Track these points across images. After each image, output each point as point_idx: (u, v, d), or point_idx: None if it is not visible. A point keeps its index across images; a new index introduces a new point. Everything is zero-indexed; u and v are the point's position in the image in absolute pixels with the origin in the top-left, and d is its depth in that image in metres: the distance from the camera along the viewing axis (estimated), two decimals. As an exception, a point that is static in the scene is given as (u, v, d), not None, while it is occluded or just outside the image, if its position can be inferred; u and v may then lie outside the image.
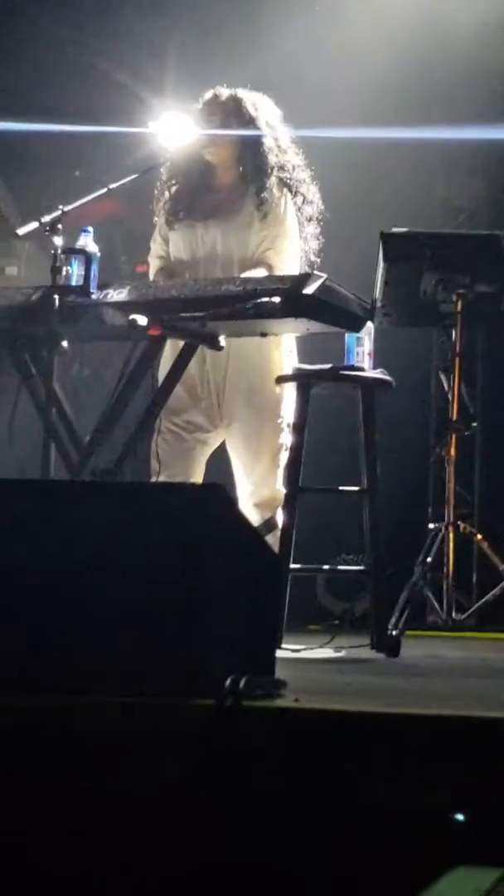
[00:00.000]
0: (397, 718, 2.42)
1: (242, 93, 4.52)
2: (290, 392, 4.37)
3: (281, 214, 4.43)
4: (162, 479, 4.43)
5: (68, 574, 2.62)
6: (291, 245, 4.44)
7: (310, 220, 4.51)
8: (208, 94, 4.53)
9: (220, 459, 4.59)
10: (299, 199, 4.48)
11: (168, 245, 4.56)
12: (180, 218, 4.51)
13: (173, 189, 4.53)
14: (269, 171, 4.44)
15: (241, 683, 2.40)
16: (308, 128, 4.59)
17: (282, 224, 4.42)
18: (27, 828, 2.43)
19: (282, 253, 4.39)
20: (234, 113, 4.47)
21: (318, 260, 4.51)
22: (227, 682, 2.40)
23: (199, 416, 4.46)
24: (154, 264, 4.60)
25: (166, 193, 4.55)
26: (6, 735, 2.49)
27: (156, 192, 4.60)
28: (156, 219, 4.62)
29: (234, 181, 4.51)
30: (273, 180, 4.44)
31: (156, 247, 4.61)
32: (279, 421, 4.42)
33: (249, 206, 4.44)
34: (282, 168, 4.47)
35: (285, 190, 4.46)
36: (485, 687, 3.36)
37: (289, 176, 4.47)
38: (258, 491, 4.43)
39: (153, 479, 4.45)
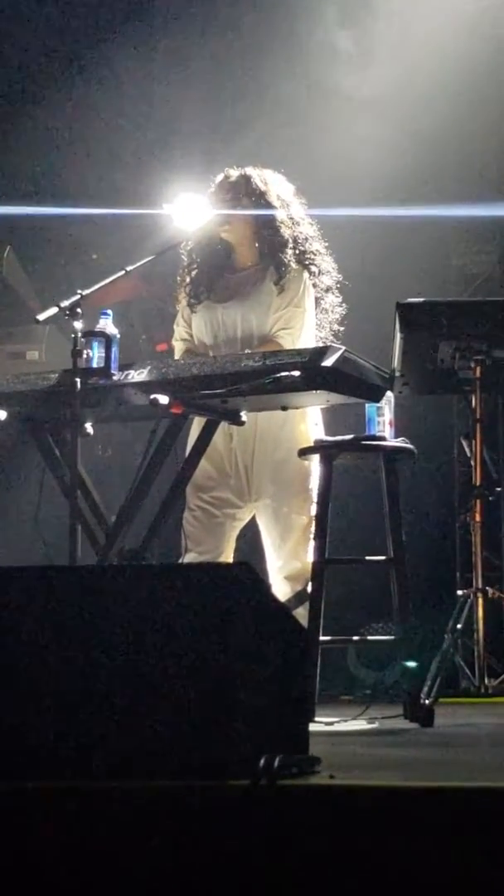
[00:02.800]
0: (434, 792, 2.40)
1: (251, 170, 4.58)
2: (317, 464, 4.38)
3: (299, 295, 4.46)
4: (192, 555, 4.44)
5: (96, 657, 2.62)
6: (306, 325, 4.47)
7: (327, 290, 4.55)
8: (219, 176, 4.60)
9: (248, 532, 4.60)
10: (314, 271, 4.52)
11: (191, 327, 4.60)
12: (201, 300, 4.56)
13: (194, 272, 4.59)
14: (285, 244, 4.48)
15: (276, 762, 2.39)
16: (324, 206, 4.65)
17: (299, 305, 4.46)
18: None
19: (294, 333, 4.41)
20: (244, 190, 4.53)
21: (342, 328, 4.54)
22: (262, 761, 2.39)
23: (228, 492, 4.48)
24: (178, 347, 4.64)
25: (187, 277, 4.60)
26: (37, 820, 2.48)
27: (178, 277, 4.65)
28: (178, 304, 4.67)
29: (253, 259, 4.56)
30: (290, 253, 4.48)
31: (179, 330, 4.65)
32: (308, 494, 4.43)
33: (269, 283, 4.49)
34: (296, 240, 4.51)
35: (303, 266, 4.50)
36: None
37: (303, 248, 4.52)
38: (289, 564, 4.43)
39: (183, 556, 4.47)
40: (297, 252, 4.50)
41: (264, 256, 4.53)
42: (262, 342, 4.41)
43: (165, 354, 5.06)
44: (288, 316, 4.45)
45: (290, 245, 4.49)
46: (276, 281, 4.47)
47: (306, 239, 4.53)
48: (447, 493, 6.35)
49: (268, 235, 4.51)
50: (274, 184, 4.57)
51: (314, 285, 4.51)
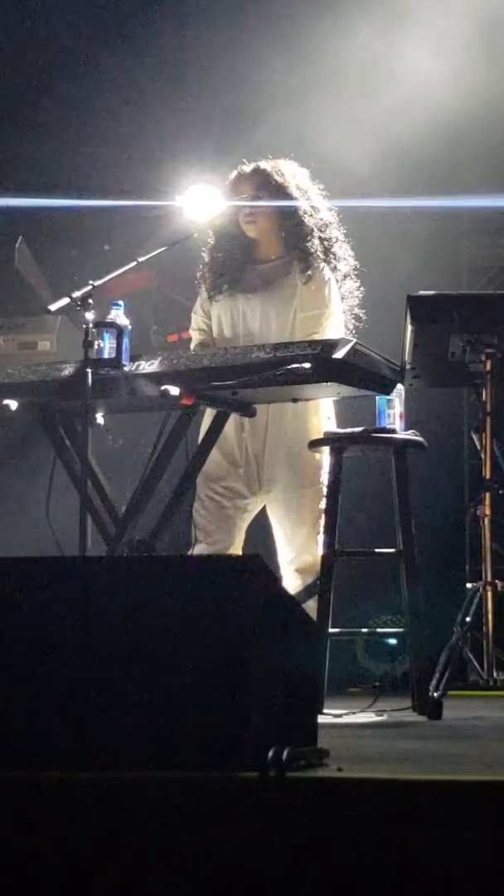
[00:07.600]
0: (442, 785, 2.40)
1: (265, 164, 4.57)
2: (328, 456, 4.38)
3: (325, 295, 4.46)
4: (202, 546, 4.45)
5: (105, 649, 2.63)
6: (334, 324, 4.47)
7: (345, 276, 4.55)
8: (233, 174, 4.58)
9: (259, 524, 4.60)
10: (332, 259, 4.52)
11: (210, 318, 4.60)
12: (223, 290, 4.55)
13: (216, 264, 4.58)
14: (310, 233, 4.49)
15: (284, 755, 2.39)
16: (335, 196, 4.64)
17: (327, 305, 4.46)
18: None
19: (324, 335, 4.40)
20: (263, 185, 4.52)
21: (363, 313, 4.55)
22: (270, 753, 2.39)
23: (238, 482, 4.48)
24: (195, 337, 4.65)
25: (209, 268, 4.60)
26: (46, 810, 2.49)
27: (199, 273, 4.64)
28: (200, 292, 4.66)
29: (277, 250, 4.56)
30: (316, 243, 4.48)
31: (197, 319, 4.66)
32: (319, 486, 4.43)
33: (294, 274, 4.48)
34: (318, 229, 4.51)
35: (325, 255, 4.49)
36: (529, 748, 3.33)
37: (325, 236, 4.52)
38: (300, 557, 4.44)
39: (193, 547, 4.47)
40: (321, 240, 4.50)
41: (289, 247, 4.53)
42: (280, 335, 4.40)
43: (177, 345, 5.06)
44: (317, 316, 4.44)
45: (315, 234, 4.49)
46: (301, 270, 4.46)
47: (326, 226, 4.54)
48: (457, 486, 6.35)
49: (292, 226, 4.51)
50: (290, 174, 4.57)
51: (333, 269, 4.50)
